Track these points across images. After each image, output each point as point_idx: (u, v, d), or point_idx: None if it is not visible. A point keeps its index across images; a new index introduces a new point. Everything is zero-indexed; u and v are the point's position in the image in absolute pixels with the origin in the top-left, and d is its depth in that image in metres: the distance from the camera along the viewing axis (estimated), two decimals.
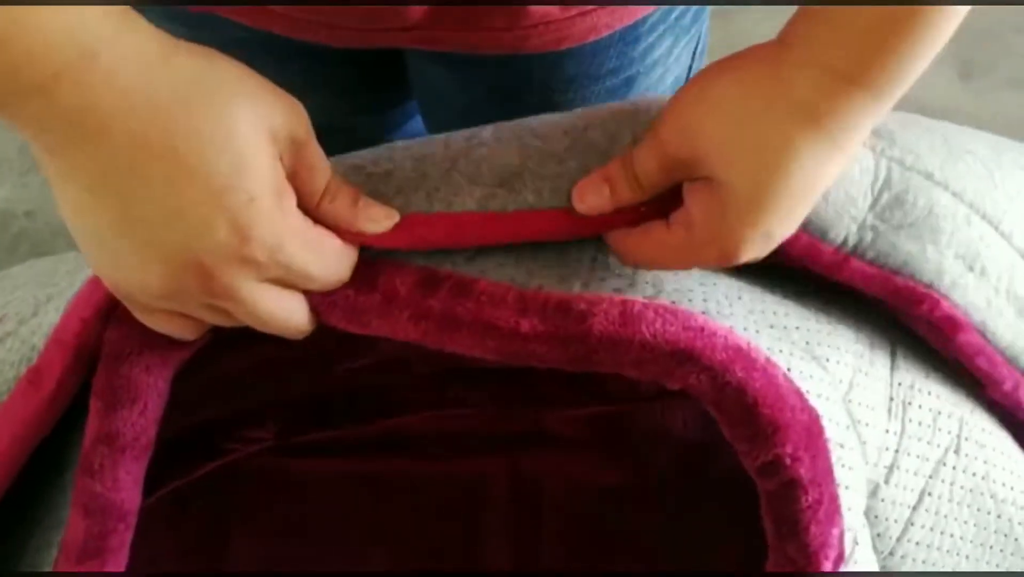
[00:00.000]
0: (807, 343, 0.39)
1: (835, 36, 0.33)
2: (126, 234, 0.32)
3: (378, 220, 0.36)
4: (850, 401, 0.40)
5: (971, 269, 0.43)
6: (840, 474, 0.37)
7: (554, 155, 0.38)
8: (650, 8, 0.54)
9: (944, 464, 0.45)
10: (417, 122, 0.80)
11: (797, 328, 0.40)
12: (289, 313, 0.36)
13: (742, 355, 0.34)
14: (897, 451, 0.43)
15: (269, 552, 0.60)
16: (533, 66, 0.55)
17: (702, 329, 0.34)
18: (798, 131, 0.33)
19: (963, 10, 0.33)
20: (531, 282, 0.38)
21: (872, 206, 0.41)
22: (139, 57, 0.30)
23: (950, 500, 0.45)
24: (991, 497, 0.46)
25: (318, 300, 0.37)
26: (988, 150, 0.48)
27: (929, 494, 0.44)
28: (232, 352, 0.52)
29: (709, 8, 0.64)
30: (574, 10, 0.50)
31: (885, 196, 0.41)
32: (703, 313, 0.36)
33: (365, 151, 0.40)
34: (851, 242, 0.40)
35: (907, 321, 0.45)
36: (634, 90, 0.61)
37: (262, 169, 0.32)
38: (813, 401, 0.36)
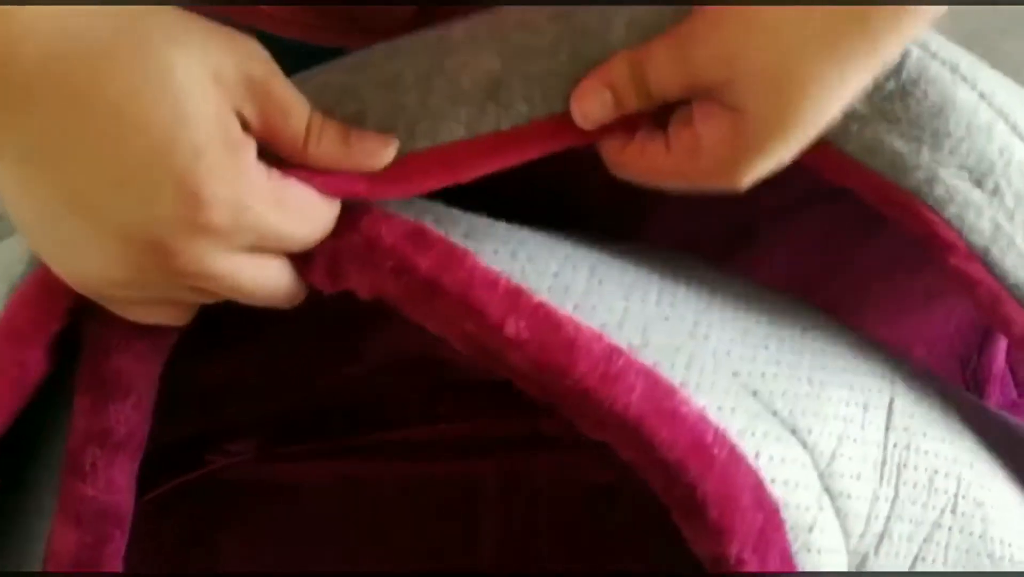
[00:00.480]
0: (790, 412, 0.36)
1: None
2: (72, 211, 0.29)
3: (376, 152, 0.32)
4: (831, 475, 0.37)
5: (979, 185, 0.38)
6: (805, 560, 0.35)
7: (541, 49, 0.33)
8: None
9: (940, 526, 0.42)
10: None
11: (783, 394, 0.37)
12: (276, 280, 0.33)
13: (702, 452, 0.32)
14: (889, 517, 0.40)
15: (259, 557, 0.59)
16: None
17: (672, 415, 0.32)
18: (854, 49, 0.30)
19: None
20: (524, 281, 0.34)
21: (870, 95, 0.35)
22: (65, 20, 0.27)
23: (944, 563, 0.43)
24: (988, 557, 0.44)
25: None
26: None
27: (923, 559, 0.42)
28: (207, 363, 0.51)
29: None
30: None
31: (891, 83, 0.36)
32: (682, 385, 0.33)
33: (326, 74, 0.35)
34: (832, 128, 0.35)
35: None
36: None
37: (206, 117, 0.28)
38: (778, 490, 0.34)
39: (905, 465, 0.41)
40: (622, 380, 0.32)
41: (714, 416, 0.33)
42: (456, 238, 0.33)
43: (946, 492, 0.42)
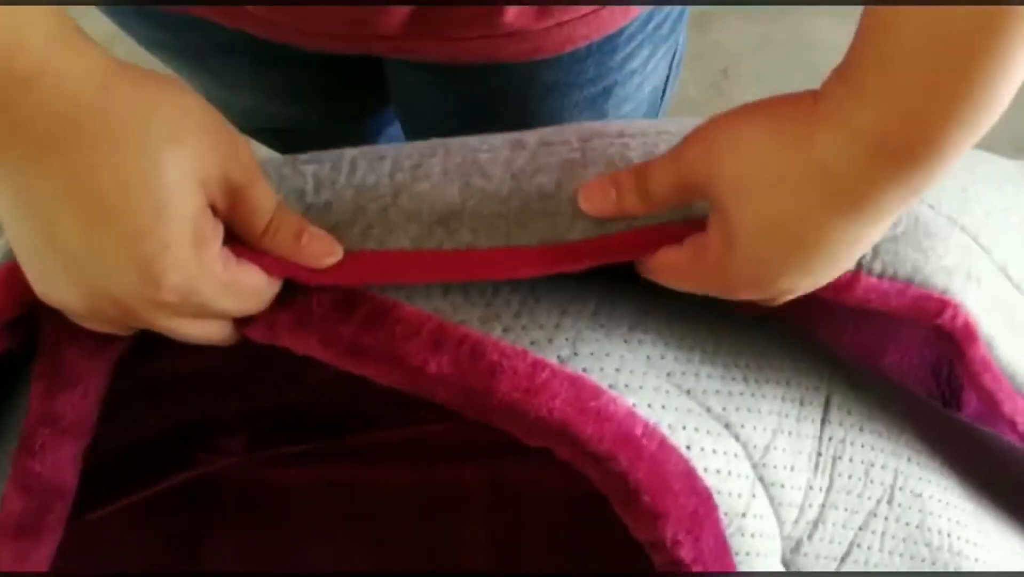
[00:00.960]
0: (723, 409, 0.39)
1: (876, 100, 0.29)
2: (50, 251, 0.32)
3: (319, 257, 0.36)
4: (764, 465, 0.40)
5: (969, 278, 0.41)
6: (740, 543, 0.38)
7: (496, 196, 0.38)
8: (628, 18, 0.53)
9: (875, 515, 0.45)
10: (396, 129, 0.80)
11: (717, 392, 0.40)
12: (212, 333, 0.36)
13: (631, 443, 0.34)
14: (824, 505, 0.43)
15: (245, 561, 0.61)
16: (511, 75, 0.55)
17: (597, 413, 0.34)
18: (817, 196, 0.31)
19: (1019, 78, 0.28)
20: (455, 316, 0.37)
21: None
22: (77, 84, 0.29)
23: (880, 550, 0.45)
24: (926, 545, 0.46)
25: None
26: (963, 163, 0.47)
27: (858, 546, 0.44)
28: (193, 351, 0.54)
29: (687, 18, 0.63)
30: (550, 20, 0.49)
31: None
32: (610, 387, 0.36)
33: (312, 164, 0.39)
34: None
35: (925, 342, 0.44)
36: (612, 99, 0.60)
37: (182, 217, 0.31)
38: (711, 479, 0.36)
39: (840, 457, 0.44)
40: (545, 390, 0.34)
41: (644, 412, 0.36)
42: (390, 289, 0.37)
43: (882, 483, 0.45)
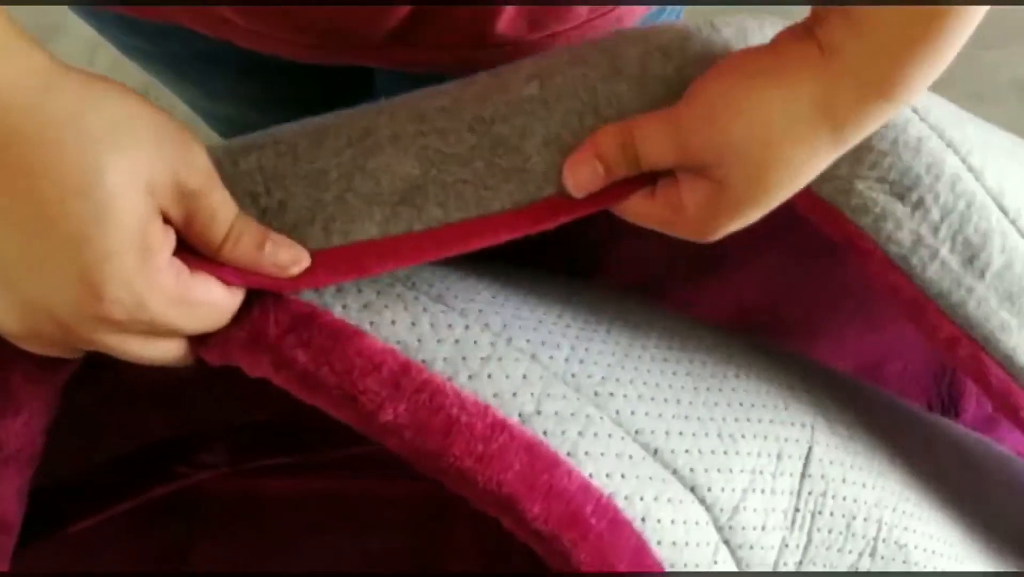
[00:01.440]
0: (691, 470, 0.37)
1: (870, 47, 0.32)
2: None
3: (286, 267, 0.34)
4: (731, 528, 0.38)
5: (900, 198, 0.40)
6: None
7: (457, 157, 0.35)
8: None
9: (857, 569, 0.43)
10: None
11: (687, 451, 0.38)
12: (163, 353, 0.34)
13: (578, 524, 0.33)
14: (800, 563, 0.41)
15: (232, 570, 0.61)
16: None
17: (548, 489, 0.33)
18: (823, 144, 0.34)
19: (980, 12, 0.32)
20: (419, 353, 0.35)
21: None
22: (16, 88, 0.28)
23: None
24: None
25: None
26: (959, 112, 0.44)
27: None
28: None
29: None
30: (542, 31, 0.48)
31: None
32: (569, 456, 0.34)
33: (254, 154, 0.36)
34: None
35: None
36: None
37: (126, 224, 0.29)
38: (664, 552, 0.35)
39: (820, 512, 0.42)
40: (499, 459, 0.33)
41: (600, 484, 0.34)
42: (354, 311, 0.35)
43: (864, 536, 0.43)
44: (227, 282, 0.33)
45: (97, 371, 0.49)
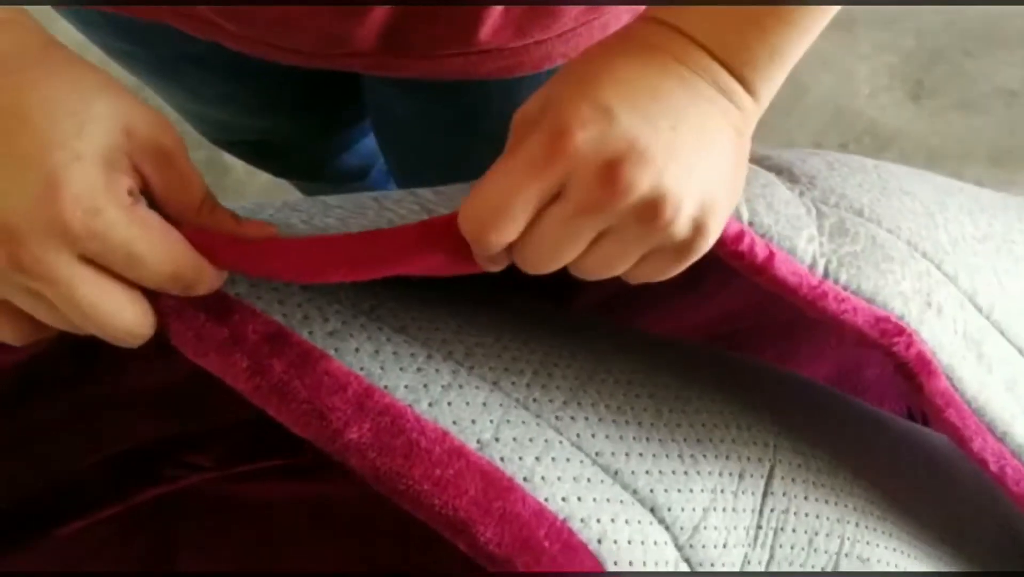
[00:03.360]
0: (651, 490, 0.38)
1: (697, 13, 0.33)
2: None
3: (261, 228, 0.34)
4: (692, 546, 0.38)
5: (929, 305, 0.39)
6: None
7: (433, 212, 0.36)
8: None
9: None
10: (371, 140, 0.78)
11: (647, 473, 0.38)
12: (116, 308, 0.31)
13: (530, 547, 0.33)
14: (765, 571, 0.42)
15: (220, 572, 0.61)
16: (488, 92, 0.54)
17: (502, 514, 0.33)
18: (630, 47, 0.33)
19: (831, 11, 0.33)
20: (382, 380, 0.35)
21: (820, 231, 0.38)
22: (23, 32, 0.31)
23: None
24: None
25: (170, 305, 0.33)
26: (933, 192, 0.44)
27: None
28: (157, 366, 0.53)
29: None
30: (528, 38, 0.48)
31: (827, 223, 0.38)
32: (525, 481, 0.35)
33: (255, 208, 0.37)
34: (820, 264, 0.37)
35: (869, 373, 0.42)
36: None
37: (100, 139, 0.30)
38: (621, 572, 0.35)
39: (783, 529, 0.42)
40: (454, 485, 0.33)
41: (555, 508, 0.35)
42: (319, 338, 0.35)
43: (827, 551, 0.44)
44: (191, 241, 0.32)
45: (83, 377, 0.50)
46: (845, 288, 0.37)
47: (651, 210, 0.30)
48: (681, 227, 0.31)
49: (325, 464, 0.62)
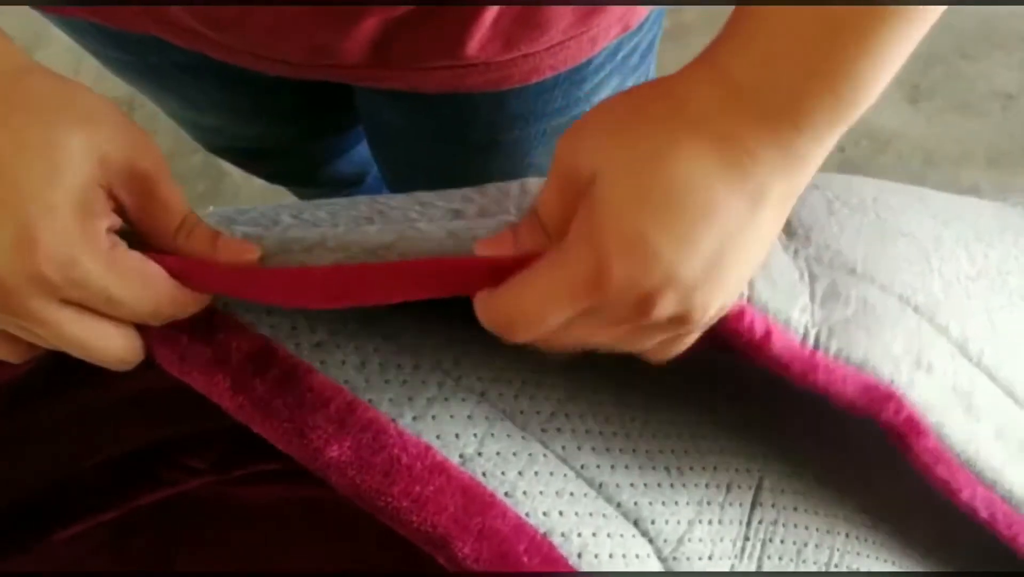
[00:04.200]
0: (635, 503, 0.38)
1: (769, 76, 0.29)
2: None
3: (239, 253, 0.34)
4: (676, 559, 0.38)
5: (919, 365, 0.39)
6: None
7: (431, 240, 0.35)
8: (594, 50, 0.51)
9: None
10: (364, 147, 0.78)
11: (632, 485, 0.38)
12: (104, 341, 0.32)
13: (508, 561, 0.33)
14: (753, 571, 0.41)
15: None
16: (478, 103, 0.53)
17: (480, 531, 0.33)
18: (681, 132, 0.30)
19: (892, 54, 0.29)
20: (366, 393, 0.35)
21: (812, 298, 0.37)
22: None
23: None
24: None
25: (154, 331, 0.34)
26: (932, 225, 0.44)
27: None
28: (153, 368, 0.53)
29: (656, 47, 0.61)
30: (515, 52, 0.48)
31: (819, 289, 0.38)
32: (506, 496, 0.34)
33: (243, 225, 0.36)
34: (812, 335, 0.37)
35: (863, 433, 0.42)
36: None
37: (72, 183, 0.30)
38: None
39: (771, 540, 0.42)
40: (434, 501, 0.33)
41: (536, 522, 0.35)
42: (306, 350, 0.35)
43: (816, 563, 0.43)
44: (169, 271, 0.32)
45: (78, 383, 0.49)
46: (836, 357, 0.36)
47: (677, 322, 0.31)
48: (700, 327, 0.33)
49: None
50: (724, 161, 0.29)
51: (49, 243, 0.29)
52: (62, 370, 0.48)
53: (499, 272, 0.33)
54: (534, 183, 0.40)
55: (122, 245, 0.32)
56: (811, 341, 0.37)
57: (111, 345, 0.32)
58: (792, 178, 0.31)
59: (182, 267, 0.33)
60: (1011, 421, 0.41)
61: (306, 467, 0.34)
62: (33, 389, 0.47)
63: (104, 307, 0.31)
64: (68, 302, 0.31)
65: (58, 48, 1.13)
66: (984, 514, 0.41)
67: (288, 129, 0.70)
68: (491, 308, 0.32)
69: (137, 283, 0.31)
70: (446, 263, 0.34)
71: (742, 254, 0.31)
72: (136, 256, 0.32)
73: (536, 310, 0.31)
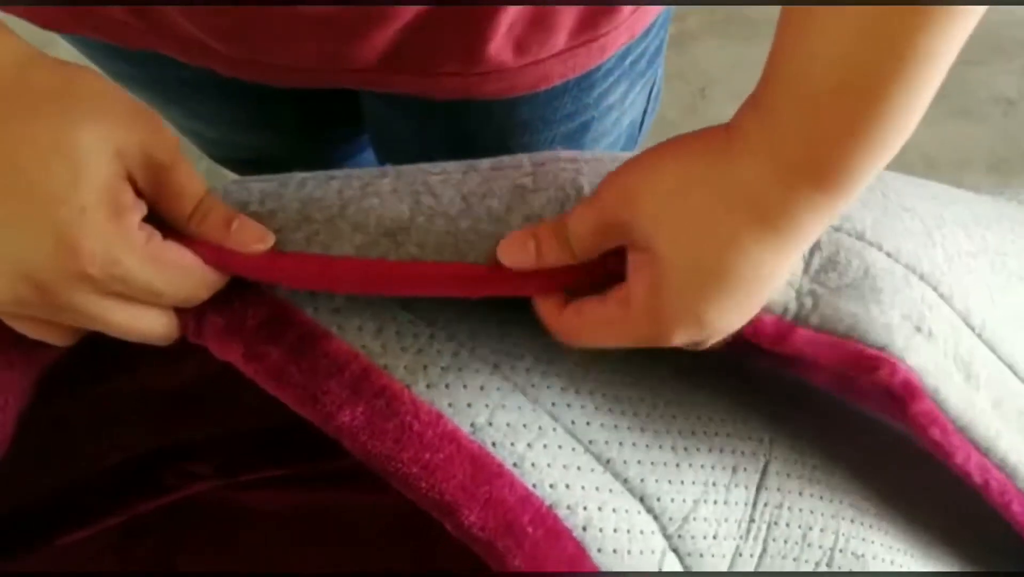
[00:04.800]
0: (642, 480, 0.37)
1: (788, 128, 0.30)
2: None
3: (247, 243, 0.34)
4: (680, 536, 0.38)
5: (919, 330, 0.39)
6: None
7: (446, 214, 0.35)
8: (604, 56, 0.51)
9: None
10: (370, 155, 0.78)
11: (639, 462, 0.38)
12: (147, 324, 0.34)
13: (513, 532, 0.33)
14: (755, 572, 0.41)
15: None
16: (487, 110, 0.53)
17: (487, 499, 0.33)
18: (741, 222, 0.31)
19: (927, 100, 0.29)
20: (382, 359, 0.35)
21: (806, 270, 0.38)
22: None
23: None
24: None
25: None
26: (931, 204, 0.44)
27: None
28: (155, 372, 0.52)
29: (664, 51, 0.61)
30: (527, 58, 0.48)
31: (816, 259, 0.38)
32: (515, 466, 0.34)
33: (260, 183, 0.36)
34: (792, 309, 0.37)
35: (854, 398, 0.42)
36: (590, 134, 0.58)
37: (98, 181, 0.30)
38: (605, 559, 0.35)
39: (776, 523, 0.42)
40: (443, 469, 0.33)
41: (543, 494, 0.35)
42: (324, 314, 0.35)
43: (821, 546, 0.43)
44: (201, 258, 0.33)
45: (83, 385, 0.49)
46: (817, 329, 0.37)
47: (692, 344, 0.35)
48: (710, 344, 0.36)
49: (321, 475, 0.62)
50: (778, 236, 0.32)
51: (90, 246, 0.30)
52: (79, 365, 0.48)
53: (524, 282, 0.35)
54: None
55: (157, 236, 0.32)
56: (790, 316, 0.37)
57: (155, 325, 0.34)
58: (828, 219, 0.33)
59: (217, 256, 0.34)
60: (1010, 393, 0.41)
61: (317, 423, 0.34)
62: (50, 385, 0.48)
63: (145, 297, 0.33)
64: (112, 294, 0.32)
65: (64, 54, 1.14)
66: (977, 480, 0.41)
67: (292, 139, 0.70)
68: (553, 321, 0.36)
69: (177, 274, 0.33)
70: (470, 271, 0.35)
71: (767, 289, 0.34)
72: (173, 247, 0.33)
73: (594, 343, 0.36)
